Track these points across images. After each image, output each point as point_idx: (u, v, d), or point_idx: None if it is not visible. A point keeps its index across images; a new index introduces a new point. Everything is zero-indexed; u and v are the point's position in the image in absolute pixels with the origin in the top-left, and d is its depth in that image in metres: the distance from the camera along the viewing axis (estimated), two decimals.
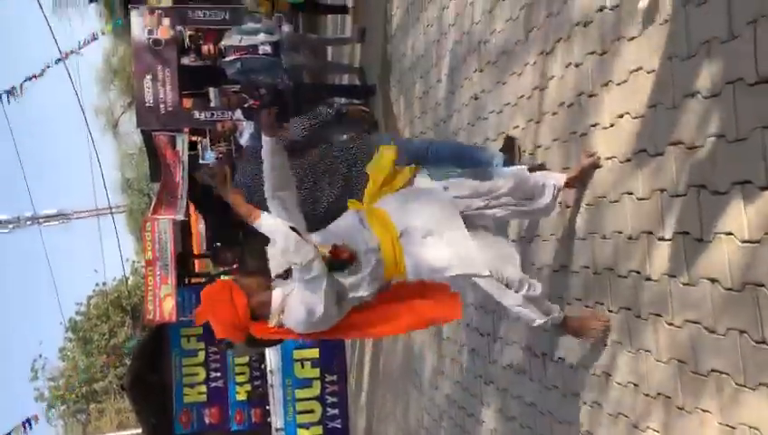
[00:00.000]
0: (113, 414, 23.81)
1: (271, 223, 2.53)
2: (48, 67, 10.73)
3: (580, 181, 2.84)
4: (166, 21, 9.01)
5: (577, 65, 2.89)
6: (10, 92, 10.69)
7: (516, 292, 2.63)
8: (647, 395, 2.45)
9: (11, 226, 30.91)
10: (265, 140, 2.72)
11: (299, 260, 2.41)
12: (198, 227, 14.33)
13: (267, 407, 9.52)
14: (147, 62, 8.86)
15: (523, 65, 3.43)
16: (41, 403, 25.52)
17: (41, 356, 26.15)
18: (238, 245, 6.27)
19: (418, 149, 3.63)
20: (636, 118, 2.46)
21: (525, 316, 2.72)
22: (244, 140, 7.27)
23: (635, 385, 2.53)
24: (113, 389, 23.43)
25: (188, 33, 10.01)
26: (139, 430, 12.55)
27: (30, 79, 10.79)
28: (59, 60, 10.62)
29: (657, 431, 2.38)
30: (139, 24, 8.93)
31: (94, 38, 11.63)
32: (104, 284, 25.91)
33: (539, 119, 3.29)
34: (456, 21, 4.48)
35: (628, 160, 2.52)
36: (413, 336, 5.70)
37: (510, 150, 3.51)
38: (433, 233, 2.61)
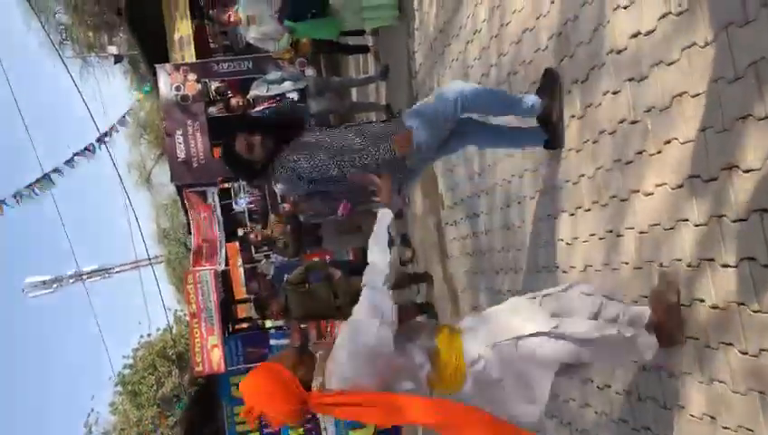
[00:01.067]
0: None
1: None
2: (94, 144, 10.98)
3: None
4: (191, 76, 9.23)
5: (615, 92, 2.84)
6: (57, 171, 10.99)
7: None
8: (726, 428, 2.36)
9: (55, 285, 31.51)
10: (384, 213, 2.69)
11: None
12: (238, 271, 14.40)
13: None
14: (176, 119, 9.07)
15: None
16: None
17: (93, 410, 26.40)
18: (281, 295, 6.29)
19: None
20: (684, 143, 2.40)
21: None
22: (278, 186, 7.33)
23: (712, 418, 2.43)
24: None
25: (214, 85, 10.20)
26: None
27: (71, 161, 11.06)
28: (99, 140, 10.88)
29: None
30: (166, 82, 9.15)
31: (133, 104, 11.99)
32: (149, 335, 26.17)
33: (579, 147, 3.24)
34: (481, 54, 4.47)
35: (680, 187, 2.46)
36: None
37: (551, 87, 3.34)
38: (501, 309, 2.57)
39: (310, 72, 8.44)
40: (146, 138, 29.49)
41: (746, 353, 2.21)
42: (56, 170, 10.93)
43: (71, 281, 31.38)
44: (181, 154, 9.22)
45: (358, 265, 7.78)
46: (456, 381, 2.42)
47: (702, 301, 2.42)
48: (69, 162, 10.93)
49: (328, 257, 9.50)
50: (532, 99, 3.40)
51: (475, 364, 2.41)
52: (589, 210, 3.22)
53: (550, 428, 4.02)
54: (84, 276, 30.95)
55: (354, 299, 6.76)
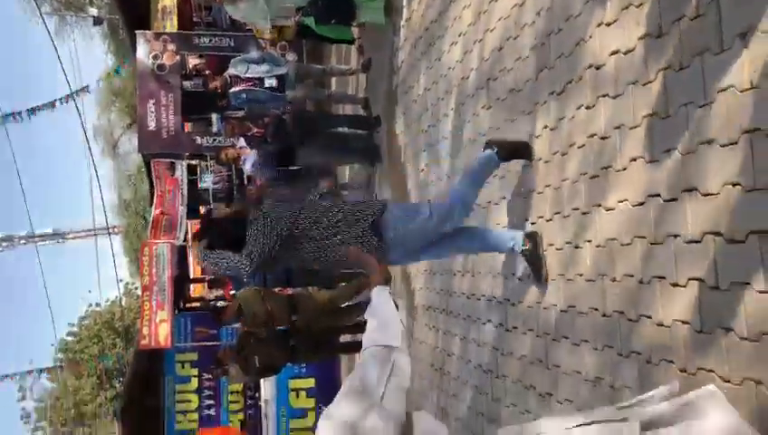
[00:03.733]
0: None
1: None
2: (58, 101, 10.79)
3: None
4: (171, 46, 9.11)
5: (588, 107, 2.90)
6: (13, 115, 10.74)
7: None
8: None
9: (5, 244, 30.75)
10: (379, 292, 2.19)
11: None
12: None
13: None
14: (150, 88, 8.93)
15: (533, 104, 3.45)
16: (25, 423, 25.17)
17: (30, 373, 25.79)
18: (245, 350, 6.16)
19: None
20: (650, 162, 2.46)
21: None
22: (247, 167, 7.29)
23: None
24: (103, 412, 23.13)
25: (192, 62, 10.08)
26: None
27: (35, 110, 10.86)
28: (70, 95, 10.69)
29: None
30: (144, 49, 9.01)
31: (117, 70, 11.84)
32: (97, 305, 25.77)
33: (548, 159, 3.29)
34: (463, 57, 4.51)
35: (641, 204, 2.52)
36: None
37: (533, 242, 3.39)
38: None
39: (291, 56, 8.40)
40: (116, 105, 29.02)
41: (685, 371, 2.28)
42: (14, 115, 10.70)
43: (22, 242, 30.68)
44: (151, 124, 9.09)
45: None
46: None
47: (649, 317, 2.48)
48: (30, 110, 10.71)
49: None
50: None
51: None
52: (550, 220, 3.27)
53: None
54: (37, 239, 30.28)
55: (313, 318, 6.68)
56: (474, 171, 3.60)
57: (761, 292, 1.94)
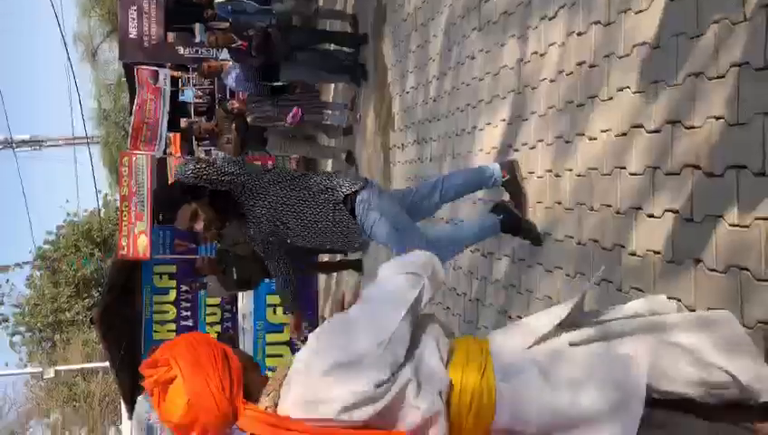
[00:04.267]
0: (80, 345, 23.81)
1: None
2: None
3: None
4: None
5: (579, 34, 2.86)
6: None
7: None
8: None
9: None
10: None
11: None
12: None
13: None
14: None
15: (525, 29, 3.39)
16: (4, 328, 25.42)
17: (8, 281, 25.87)
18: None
19: (424, 193, 3.42)
20: (636, 93, 2.46)
21: None
22: (229, 81, 7.15)
23: None
24: (80, 320, 23.39)
25: None
26: (106, 363, 12.58)
27: None
28: None
29: None
30: None
31: None
32: (75, 214, 25.58)
33: (536, 85, 3.27)
34: None
35: (624, 135, 2.53)
36: None
37: (511, 172, 3.35)
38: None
39: None
40: (97, 11, 28.01)
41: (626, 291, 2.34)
42: None
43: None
44: (133, 31, 8.83)
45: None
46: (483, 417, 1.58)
47: (622, 247, 2.53)
48: None
49: (270, 163, 9.39)
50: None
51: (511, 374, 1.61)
52: (533, 148, 3.28)
53: None
54: (14, 145, 29.74)
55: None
56: (478, 227, 3.40)
57: (732, 225, 1.98)
